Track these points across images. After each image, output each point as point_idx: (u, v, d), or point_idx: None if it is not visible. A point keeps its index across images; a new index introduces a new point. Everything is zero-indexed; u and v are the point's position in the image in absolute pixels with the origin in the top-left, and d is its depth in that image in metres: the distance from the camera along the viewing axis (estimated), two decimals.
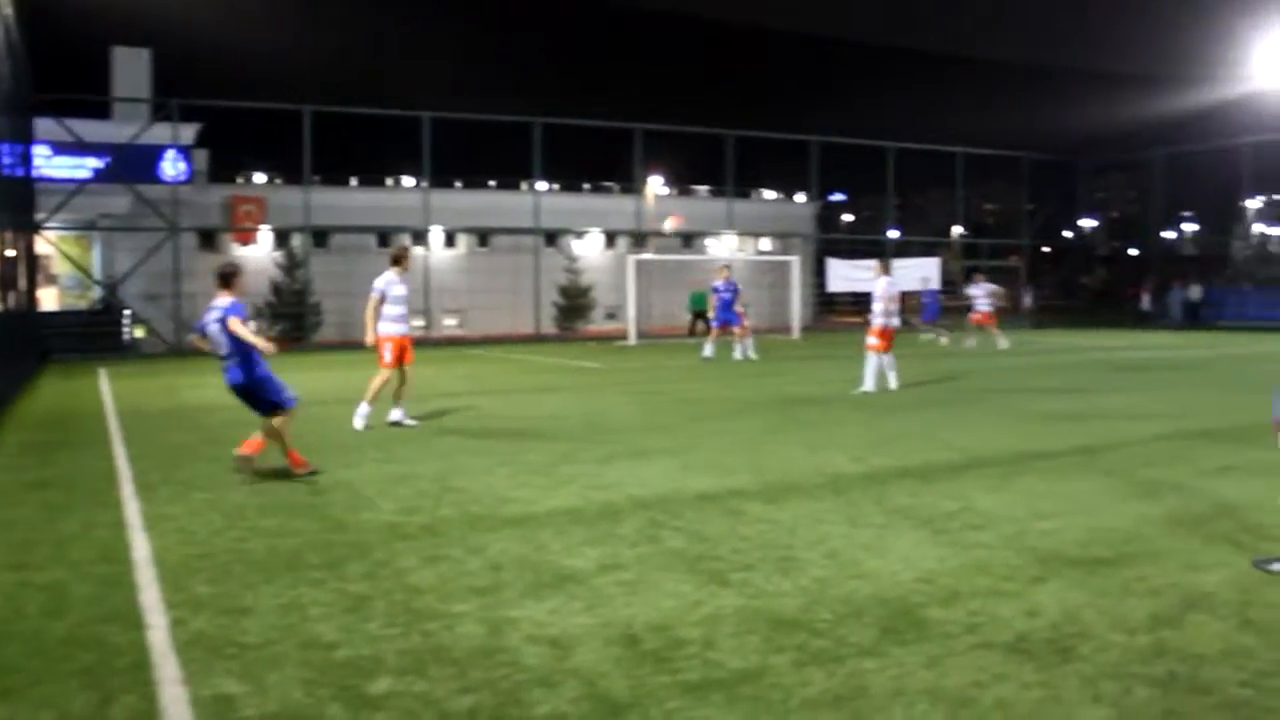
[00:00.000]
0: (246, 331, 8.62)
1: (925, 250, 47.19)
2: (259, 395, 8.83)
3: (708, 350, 23.99)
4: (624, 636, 4.72)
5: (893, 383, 15.76)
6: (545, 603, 5.23)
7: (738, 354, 23.68)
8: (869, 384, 15.53)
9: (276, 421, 8.84)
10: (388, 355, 12.36)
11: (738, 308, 23.92)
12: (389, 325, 12.41)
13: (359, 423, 12.24)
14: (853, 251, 48.08)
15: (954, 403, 14.29)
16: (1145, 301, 43.56)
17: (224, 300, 8.72)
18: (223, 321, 8.59)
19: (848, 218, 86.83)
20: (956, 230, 52.98)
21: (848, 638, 4.67)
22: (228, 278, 8.95)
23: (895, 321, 15.97)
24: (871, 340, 15.69)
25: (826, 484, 8.32)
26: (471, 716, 3.88)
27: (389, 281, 12.44)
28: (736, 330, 23.85)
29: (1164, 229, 53.61)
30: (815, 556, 6.05)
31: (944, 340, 29.42)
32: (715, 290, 24.13)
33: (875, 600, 5.22)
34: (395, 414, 12.51)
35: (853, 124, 46.06)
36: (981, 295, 28.17)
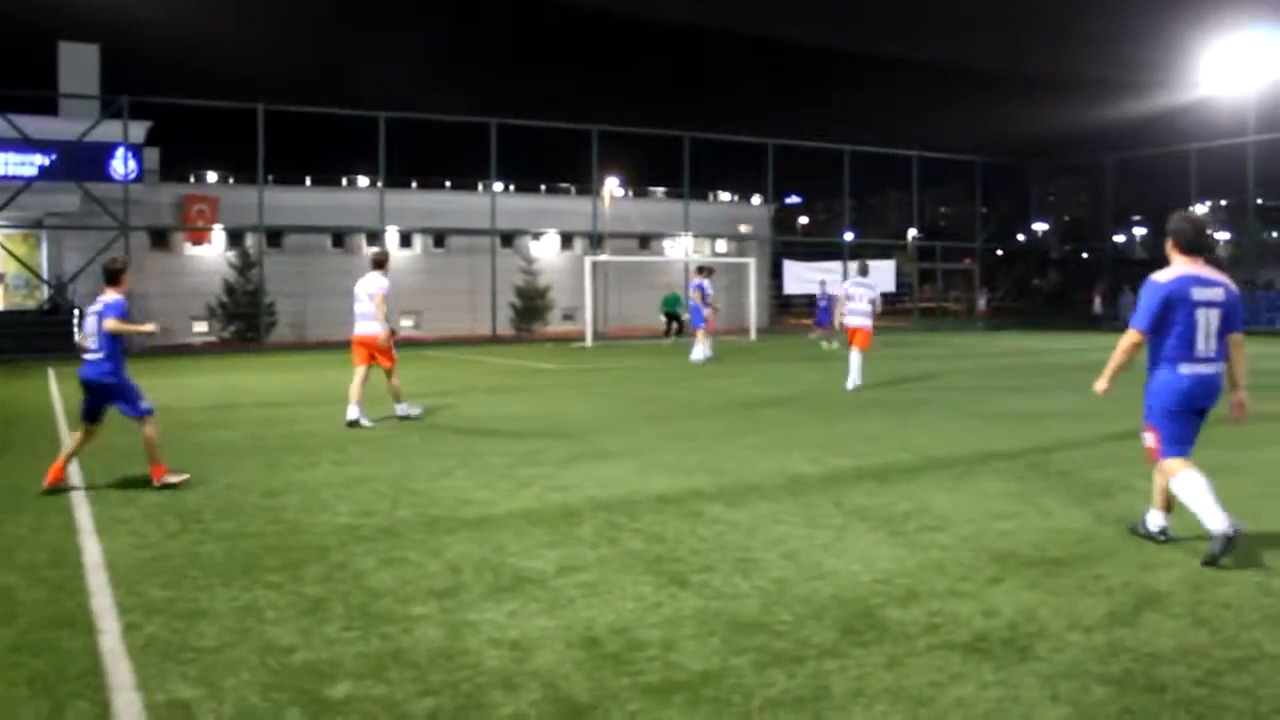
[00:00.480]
0: (126, 326, 8.45)
1: (881, 253, 47.60)
2: (115, 396, 8.55)
3: (705, 351, 23.83)
4: (584, 639, 4.70)
5: (850, 380, 16.09)
6: (505, 605, 5.21)
7: (698, 355, 23.67)
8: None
9: (150, 430, 8.57)
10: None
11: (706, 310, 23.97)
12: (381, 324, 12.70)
13: (415, 411, 12.94)
14: (809, 254, 48.33)
15: (910, 404, 14.40)
16: (1097, 304, 44.17)
17: (109, 297, 8.53)
18: (101, 317, 8.40)
19: (804, 220, 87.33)
20: (912, 233, 53.42)
21: (808, 639, 4.69)
22: (115, 274, 8.69)
23: (852, 320, 16.41)
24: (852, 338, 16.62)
25: (785, 485, 8.35)
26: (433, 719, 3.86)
27: (384, 285, 12.75)
28: (700, 331, 23.86)
29: (1115, 232, 54.33)
30: (774, 557, 6.07)
31: (826, 344, 29.67)
32: (702, 289, 24.06)
33: (835, 601, 5.24)
34: (354, 412, 12.44)
35: (809, 127, 46.33)
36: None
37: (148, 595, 5.45)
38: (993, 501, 7.63)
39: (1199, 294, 6.05)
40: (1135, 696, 3.98)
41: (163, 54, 46.37)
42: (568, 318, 43.77)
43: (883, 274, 44.32)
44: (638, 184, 51.67)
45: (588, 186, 42.18)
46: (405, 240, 42.71)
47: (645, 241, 46.41)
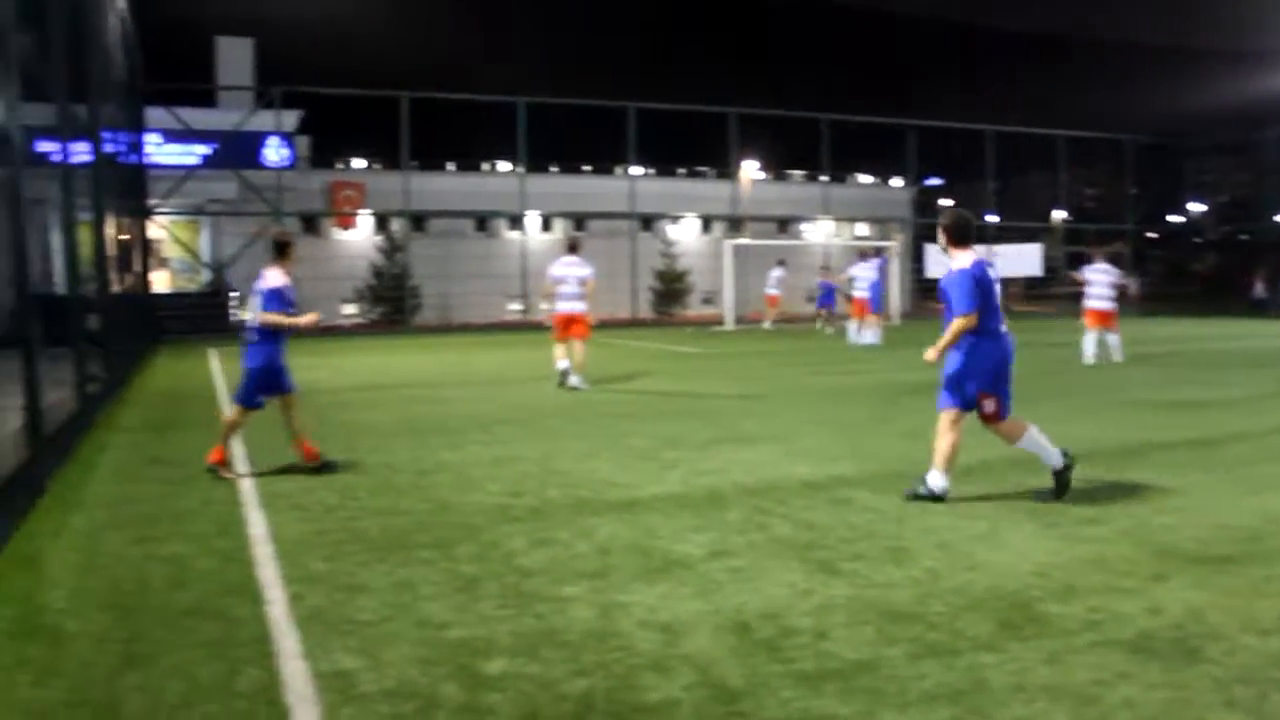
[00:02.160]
0: (279, 319, 8.19)
1: (1026, 236, 46.25)
2: (257, 377, 8.36)
3: (868, 336, 23.68)
4: (735, 624, 4.69)
5: (1116, 355, 17.87)
6: (655, 588, 5.23)
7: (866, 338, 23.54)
8: (1087, 355, 18.01)
9: (233, 415, 8.46)
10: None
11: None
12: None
13: (585, 386, 14.30)
14: None
15: (1059, 392, 13.97)
16: (1259, 289, 42.06)
17: (271, 278, 8.27)
18: (261, 303, 8.20)
19: (946, 202, 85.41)
20: (1058, 215, 51.72)
21: (963, 631, 4.59)
22: (282, 247, 8.43)
23: (1094, 304, 17.99)
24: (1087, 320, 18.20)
25: None
26: (586, 700, 3.89)
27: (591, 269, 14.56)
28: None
29: (1278, 213, 51.65)
30: (926, 547, 5.96)
31: (828, 329, 28.87)
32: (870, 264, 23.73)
33: (990, 593, 5.12)
34: (575, 380, 14.31)
35: (951, 107, 45.24)
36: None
37: (310, 568, 5.65)
38: (1153, 494, 7.35)
39: (990, 273, 7.16)
40: None
41: (312, 46, 47.78)
42: (707, 301, 43.77)
43: (1028, 258, 43.07)
44: (776, 167, 51.31)
45: (727, 170, 42.06)
46: (546, 224, 43.24)
47: (784, 225, 46.06)
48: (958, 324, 6.99)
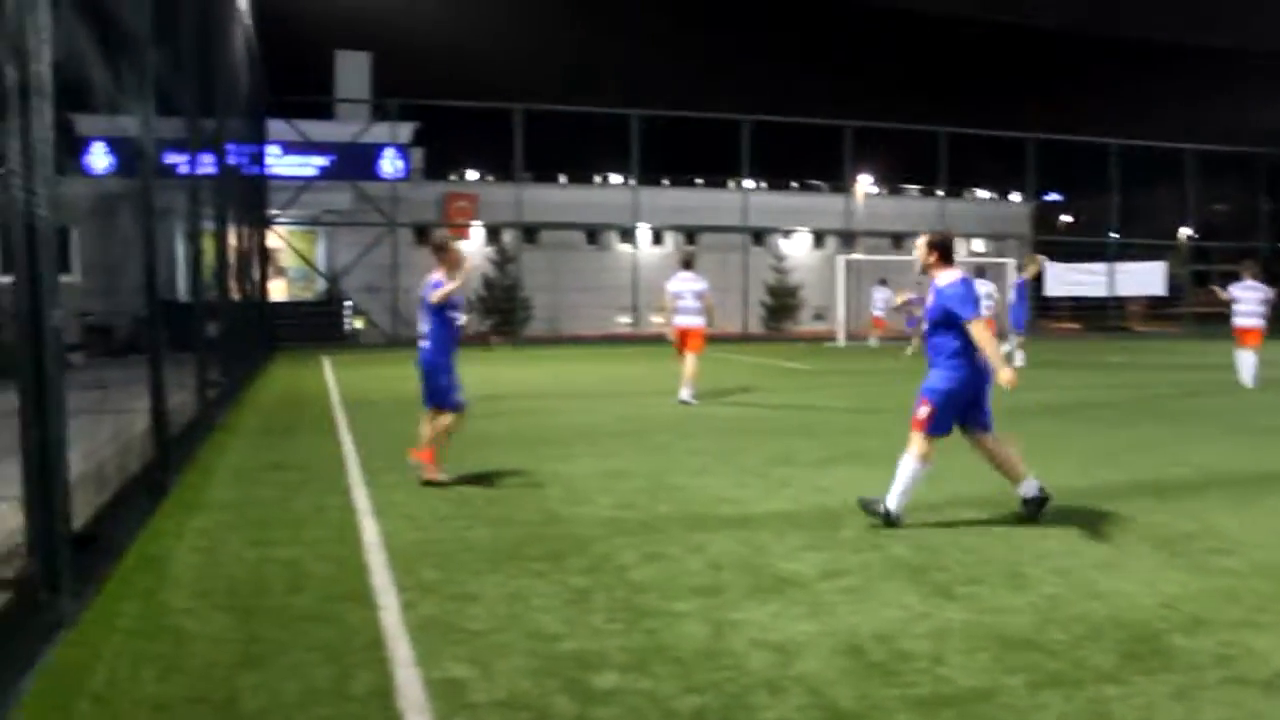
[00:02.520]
0: (443, 290, 8.35)
1: (1150, 253, 44.91)
2: (432, 382, 8.53)
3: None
4: (849, 645, 4.60)
5: (1247, 379, 17.21)
6: (767, 606, 5.16)
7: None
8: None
9: (444, 421, 8.52)
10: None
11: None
12: None
13: (694, 401, 14.31)
14: (1072, 254, 46.06)
15: (1182, 415, 13.48)
16: None
17: (431, 277, 8.49)
18: (424, 299, 8.44)
19: (1066, 218, 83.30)
20: (1184, 232, 50.04)
21: (1085, 661, 4.43)
22: (437, 249, 8.66)
23: (1243, 321, 17.40)
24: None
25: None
26: (698, 717, 3.85)
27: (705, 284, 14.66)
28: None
29: None
30: (1044, 573, 5.77)
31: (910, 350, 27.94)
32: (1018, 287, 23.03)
33: (1112, 623, 4.93)
34: (685, 393, 14.31)
35: (1072, 120, 44.21)
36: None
37: (422, 576, 5.70)
38: None
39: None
40: None
41: (428, 59, 48.79)
42: (818, 317, 43.40)
43: (1150, 277, 41.89)
44: (891, 181, 50.68)
45: (840, 184, 41.70)
46: (657, 237, 43.35)
47: (899, 240, 45.46)
48: (981, 332, 6.75)
